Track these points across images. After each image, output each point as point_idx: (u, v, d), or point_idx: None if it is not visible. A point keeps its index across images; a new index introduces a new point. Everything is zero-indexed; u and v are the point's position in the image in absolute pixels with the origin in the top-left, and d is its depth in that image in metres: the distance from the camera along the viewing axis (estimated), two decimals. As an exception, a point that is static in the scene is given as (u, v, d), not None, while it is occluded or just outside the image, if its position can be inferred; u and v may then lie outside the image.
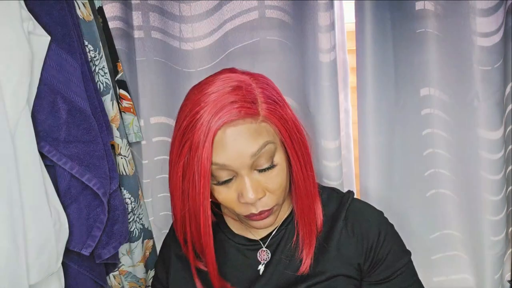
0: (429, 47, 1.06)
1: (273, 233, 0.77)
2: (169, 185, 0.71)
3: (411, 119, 1.10)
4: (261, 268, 0.76)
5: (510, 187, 1.12)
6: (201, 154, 0.63)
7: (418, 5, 1.05)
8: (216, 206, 0.82)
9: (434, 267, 1.16)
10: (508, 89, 1.07)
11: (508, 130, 1.09)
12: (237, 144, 0.63)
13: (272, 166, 0.67)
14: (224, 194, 0.68)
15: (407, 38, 1.06)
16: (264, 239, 0.77)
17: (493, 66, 1.01)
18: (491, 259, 1.09)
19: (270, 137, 0.66)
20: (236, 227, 0.79)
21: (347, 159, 1.16)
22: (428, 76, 1.08)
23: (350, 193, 0.79)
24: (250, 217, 0.68)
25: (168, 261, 0.84)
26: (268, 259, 0.76)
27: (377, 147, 1.09)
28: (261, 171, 0.66)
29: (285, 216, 0.78)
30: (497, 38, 1.00)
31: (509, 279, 1.15)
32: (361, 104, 1.08)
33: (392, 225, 0.78)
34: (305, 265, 0.73)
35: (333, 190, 0.81)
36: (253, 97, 0.65)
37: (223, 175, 0.66)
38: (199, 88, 0.67)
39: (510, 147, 1.10)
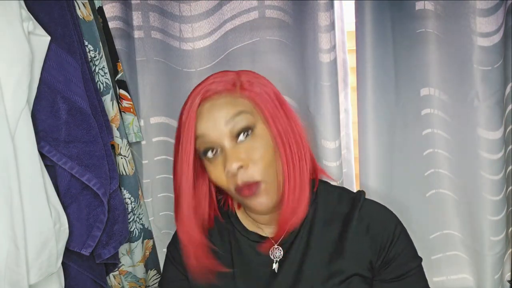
0: (429, 47, 1.06)
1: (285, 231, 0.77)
2: (176, 182, 0.75)
3: (411, 119, 1.10)
4: (275, 266, 0.76)
5: (510, 187, 1.11)
6: (186, 124, 0.71)
7: (418, 5, 1.05)
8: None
9: (434, 267, 1.16)
10: (508, 89, 1.07)
11: (508, 130, 1.09)
12: (213, 113, 0.70)
13: (250, 135, 0.70)
14: (214, 172, 0.72)
15: (407, 38, 1.06)
16: (277, 238, 0.77)
17: (493, 66, 1.01)
18: (491, 259, 1.09)
19: (246, 108, 0.71)
20: (249, 224, 0.80)
21: (347, 159, 1.16)
22: (428, 76, 1.08)
23: (362, 193, 0.80)
24: (241, 192, 0.70)
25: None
26: (280, 257, 0.76)
27: (377, 147, 1.09)
28: (243, 141, 0.70)
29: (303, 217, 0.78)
30: (497, 38, 1.00)
31: (509, 279, 1.15)
32: (361, 104, 1.08)
33: (405, 229, 0.79)
34: (268, 244, 0.76)
35: (344, 189, 0.82)
36: (233, 78, 0.73)
37: (207, 148, 0.71)
38: None
39: (510, 147, 1.10)
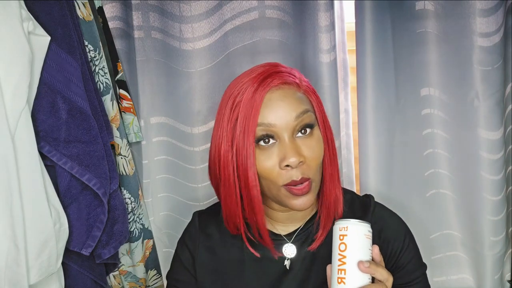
0: (429, 47, 1.06)
1: (299, 229, 0.78)
2: (220, 161, 0.72)
3: (411, 119, 1.10)
4: (287, 263, 0.77)
5: (510, 187, 1.12)
6: (250, 113, 0.67)
7: (418, 5, 1.05)
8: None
9: (434, 267, 1.16)
10: (508, 89, 1.07)
11: (508, 130, 1.09)
12: (284, 104, 0.68)
13: (312, 133, 0.70)
14: (265, 162, 0.69)
15: (407, 38, 1.06)
16: (289, 235, 0.78)
17: (493, 66, 1.01)
18: (491, 259, 1.10)
19: (310, 108, 0.70)
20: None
21: (347, 159, 1.16)
22: (428, 76, 1.08)
23: (370, 196, 0.81)
24: (292, 189, 0.69)
25: (195, 253, 0.81)
26: (293, 255, 0.77)
27: (377, 147, 1.09)
28: (301, 137, 0.69)
29: (312, 214, 0.79)
30: (497, 38, 1.00)
31: (509, 279, 1.15)
32: (361, 104, 1.08)
33: (413, 237, 0.80)
34: (315, 244, 0.75)
35: (353, 193, 0.83)
36: (295, 74, 0.72)
37: (265, 136, 0.68)
38: (241, 73, 0.73)
39: (510, 147, 1.10)
